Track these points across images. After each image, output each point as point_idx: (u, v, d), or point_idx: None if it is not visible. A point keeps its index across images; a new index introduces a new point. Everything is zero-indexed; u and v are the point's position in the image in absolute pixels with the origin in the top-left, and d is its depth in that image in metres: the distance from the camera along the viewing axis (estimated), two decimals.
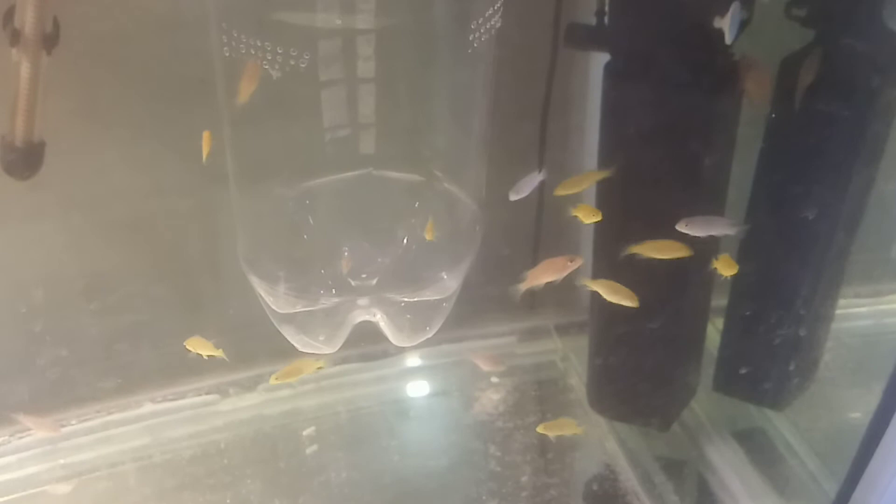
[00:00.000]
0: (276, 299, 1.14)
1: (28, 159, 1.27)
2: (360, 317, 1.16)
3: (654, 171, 1.31)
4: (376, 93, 1.08)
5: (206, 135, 1.11)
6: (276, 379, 1.34)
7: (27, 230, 1.51)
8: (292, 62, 0.94)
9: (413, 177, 1.22)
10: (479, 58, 1.09)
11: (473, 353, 1.73)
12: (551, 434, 1.52)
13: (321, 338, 1.17)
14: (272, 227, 1.21)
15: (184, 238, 1.59)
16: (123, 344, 1.66)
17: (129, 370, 1.69)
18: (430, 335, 1.22)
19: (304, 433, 1.69)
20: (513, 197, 1.22)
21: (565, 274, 1.20)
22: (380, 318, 1.17)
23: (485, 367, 1.73)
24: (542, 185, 1.71)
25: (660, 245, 1.22)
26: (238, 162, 1.14)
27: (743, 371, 1.52)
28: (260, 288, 1.16)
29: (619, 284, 1.25)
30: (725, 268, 1.26)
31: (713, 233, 1.22)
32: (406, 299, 1.16)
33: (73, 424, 1.65)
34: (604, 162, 1.36)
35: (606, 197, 1.38)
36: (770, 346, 1.46)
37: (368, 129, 1.12)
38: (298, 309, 1.15)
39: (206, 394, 1.74)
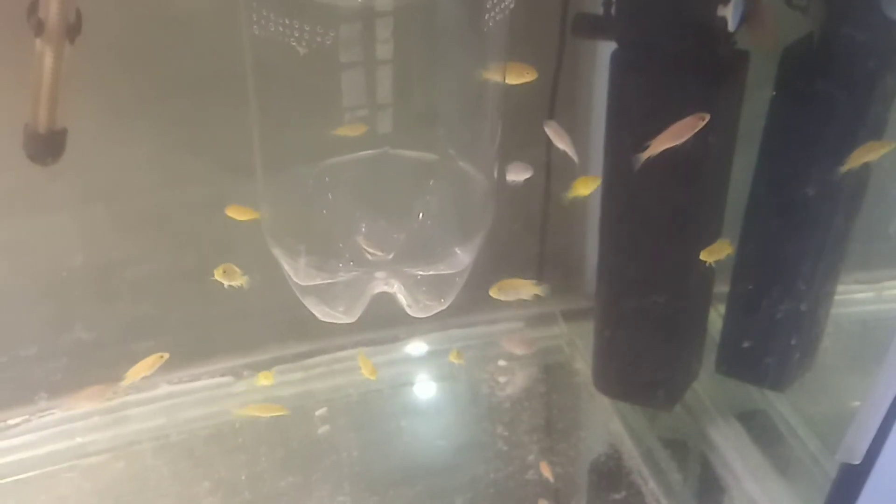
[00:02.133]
0: (297, 272, 1.18)
1: (50, 146, 1.29)
2: (377, 288, 1.20)
3: (660, 157, 1.33)
4: (394, 73, 1.12)
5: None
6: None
7: (47, 219, 1.54)
8: (318, 39, 0.98)
9: (428, 155, 1.26)
10: (493, 37, 1.12)
11: (505, 339, 1.77)
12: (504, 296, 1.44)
13: (341, 308, 1.21)
14: (293, 203, 1.25)
15: (200, 227, 1.61)
16: (140, 328, 1.68)
17: (145, 354, 1.69)
18: (444, 307, 1.26)
19: (317, 414, 1.71)
20: (510, 177, 1.25)
21: (692, 133, 1.15)
22: (397, 290, 1.21)
23: (517, 350, 1.77)
24: (548, 172, 1.76)
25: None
26: (263, 140, 1.18)
27: (744, 353, 1.54)
28: (282, 260, 1.20)
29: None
30: (710, 254, 1.27)
31: None
32: (421, 273, 1.20)
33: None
34: (610, 150, 1.38)
35: (612, 184, 1.40)
36: (771, 329, 1.49)
37: (386, 109, 1.16)
38: (318, 281, 1.19)
39: (221, 376, 1.76)
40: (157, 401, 1.72)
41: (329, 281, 1.19)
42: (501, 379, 1.80)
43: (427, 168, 1.26)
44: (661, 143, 1.16)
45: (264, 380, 1.69)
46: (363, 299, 1.20)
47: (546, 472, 1.57)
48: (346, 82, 1.11)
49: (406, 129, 1.22)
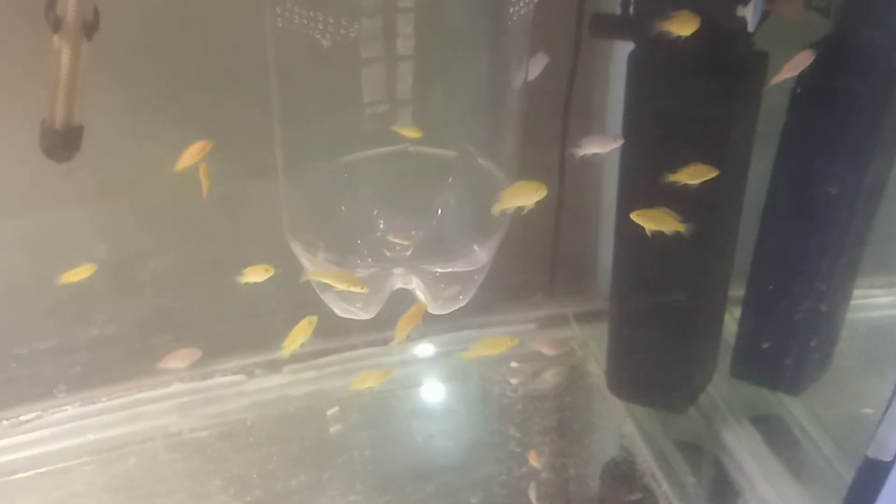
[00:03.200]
0: (315, 267, 1.18)
1: (67, 143, 1.29)
2: (396, 284, 1.20)
3: (678, 158, 1.31)
4: (415, 68, 1.12)
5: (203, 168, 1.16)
6: None
7: (64, 215, 1.55)
8: (343, 31, 0.98)
9: (447, 152, 1.25)
10: (517, 31, 1.12)
11: (536, 341, 1.75)
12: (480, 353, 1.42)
13: (359, 304, 1.21)
14: (313, 199, 1.25)
15: (215, 223, 1.60)
16: (153, 326, 1.69)
17: (159, 351, 1.69)
18: (462, 304, 1.25)
19: (329, 413, 1.71)
20: (586, 151, 1.20)
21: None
22: (415, 286, 1.20)
23: (546, 350, 1.75)
24: (561, 173, 1.75)
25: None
26: (284, 136, 1.18)
27: (760, 356, 1.53)
28: (301, 256, 1.20)
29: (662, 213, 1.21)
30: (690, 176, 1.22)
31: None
32: (439, 270, 1.20)
33: (103, 402, 1.68)
34: (627, 150, 1.37)
35: (630, 185, 1.40)
36: (788, 332, 1.47)
37: (406, 105, 1.16)
38: None
39: (233, 374, 1.76)
40: (170, 398, 1.72)
41: None
42: (513, 380, 1.79)
43: (446, 165, 1.26)
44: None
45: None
46: (381, 296, 1.20)
47: (533, 460, 1.56)
48: (367, 77, 1.11)
49: (426, 126, 1.21)
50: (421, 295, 1.22)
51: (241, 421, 1.68)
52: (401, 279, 1.20)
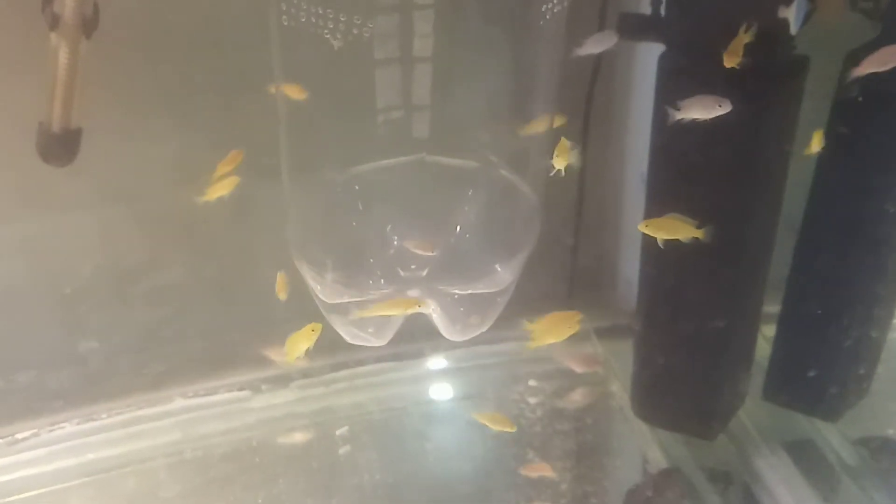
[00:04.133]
0: (323, 288, 1.10)
1: (65, 146, 1.26)
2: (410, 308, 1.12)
3: (710, 168, 1.26)
4: (433, 71, 1.04)
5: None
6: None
7: (63, 219, 1.52)
8: (354, 31, 0.91)
9: (468, 163, 1.17)
10: (549, 31, 1.04)
11: (565, 356, 1.69)
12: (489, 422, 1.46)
13: (370, 329, 1.13)
14: (320, 213, 1.18)
15: (220, 231, 1.58)
16: (155, 338, 1.66)
17: (160, 364, 1.68)
18: (483, 330, 1.17)
19: (337, 433, 1.65)
20: (577, 51, 1.09)
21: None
22: (432, 311, 1.12)
23: (578, 368, 1.70)
24: (581, 182, 1.69)
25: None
26: (290, 143, 1.11)
27: (796, 379, 1.47)
28: (308, 275, 1.12)
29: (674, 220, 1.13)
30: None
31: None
32: (458, 291, 1.11)
33: (103, 419, 1.63)
34: (655, 159, 1.32)
35: (659, 193, 1.34)
36: (833, 357, 1.42)
37: (423, 110, 1.08)
38: (346, 299, 1.11)
39: (238, 390, 1.71)
40: (172, 415, 1.67)
41: (358, 299, 1.11)
42: (532, 400, 1.72)
43: (466, 176, 1.18)
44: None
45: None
46: (395, 320, 1.11)
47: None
48: (382, 80, 1.04)
49: (445, 134, 1.14)
50: (437, 320, 1.13)
51: (246, 440, 1.63)
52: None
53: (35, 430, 1.60)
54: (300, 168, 1.14)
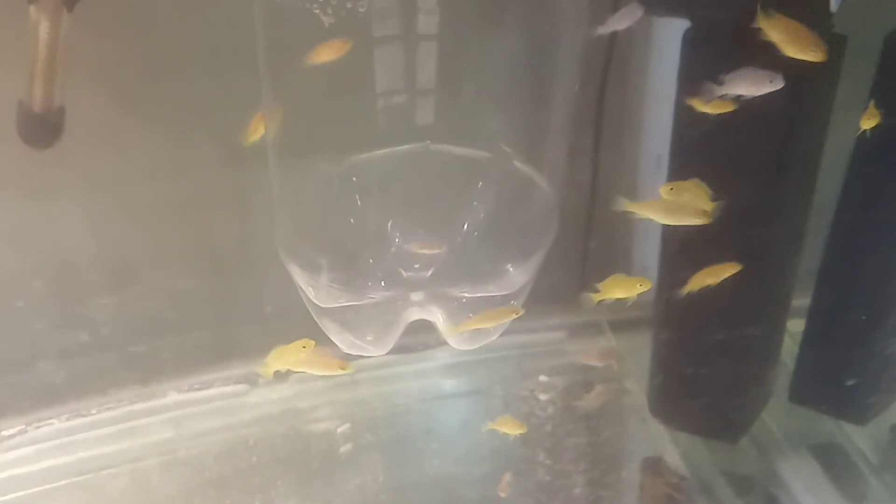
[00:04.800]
0: (317, 291, 1.02)
1: (47, 126, 1.21)
2: (414, 315, 1.04)
3: (736, 155, 1.19)
4: (438, 50, 0.95)
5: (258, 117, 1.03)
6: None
7: (46, 209, 1.46)
8: (349, 5, 0.82)
9: (478, 152, 1.09)
10: (568, 5, 0.95)
11: (583, 353, 1.64)
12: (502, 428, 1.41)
13: (369, 337, 1.05)
14: (314, 208, 1.10)
15: (214, 220, 1.54)
16: (147, 330, 1.61)
17: (153, 358, 1.63)
18: (493, 337, 1.09)
19: (339, 430, 1.60)
20: (600, 29, 0.99)
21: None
22: (437, 317, 1.04)
23: (595, 362, 1.65)
24: (595, 170, 1.61)
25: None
26: (279, 131, 1.02)
27: (825, 380, 1.42)
28: (299, 278, 1.04)
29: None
30: None
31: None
32: (466, 295, 1.03)
33: (93, 415, 1.59)
34: (678, 142, 1.25)
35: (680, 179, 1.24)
36: (859, 355, 1.36)
37: (427, 94, 1.00)
38: (342, 303, 1.03)
39: (235, 383, 1.66)
40: (166, 411, 1.62)
41: (355, 303, 1.02)
42: (543, 396, 1.65)
43: (476, 167, 1.09)
44: None
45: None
46: (396, 327, 1.04)
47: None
48: (381, 62, 0.95)
49: (452, 120, 1.06)
50: (442, 328, 1.05)
51: (242, 438, 1.58)
52: (419, 308, 1.03)
53: (21, 427, 1.56)
54: (291, 159, 1.05)
